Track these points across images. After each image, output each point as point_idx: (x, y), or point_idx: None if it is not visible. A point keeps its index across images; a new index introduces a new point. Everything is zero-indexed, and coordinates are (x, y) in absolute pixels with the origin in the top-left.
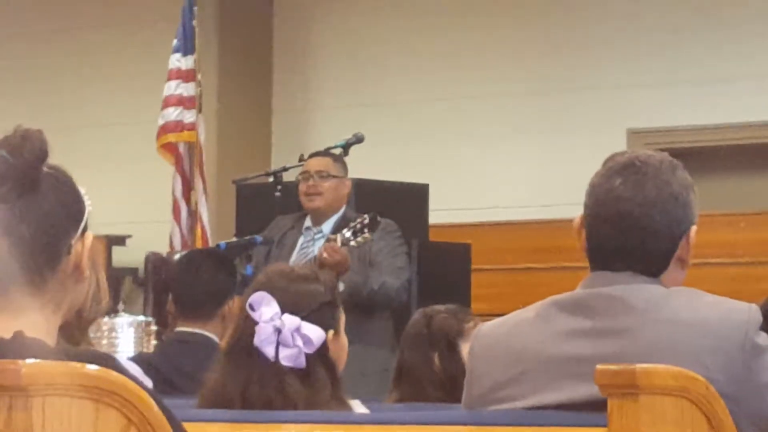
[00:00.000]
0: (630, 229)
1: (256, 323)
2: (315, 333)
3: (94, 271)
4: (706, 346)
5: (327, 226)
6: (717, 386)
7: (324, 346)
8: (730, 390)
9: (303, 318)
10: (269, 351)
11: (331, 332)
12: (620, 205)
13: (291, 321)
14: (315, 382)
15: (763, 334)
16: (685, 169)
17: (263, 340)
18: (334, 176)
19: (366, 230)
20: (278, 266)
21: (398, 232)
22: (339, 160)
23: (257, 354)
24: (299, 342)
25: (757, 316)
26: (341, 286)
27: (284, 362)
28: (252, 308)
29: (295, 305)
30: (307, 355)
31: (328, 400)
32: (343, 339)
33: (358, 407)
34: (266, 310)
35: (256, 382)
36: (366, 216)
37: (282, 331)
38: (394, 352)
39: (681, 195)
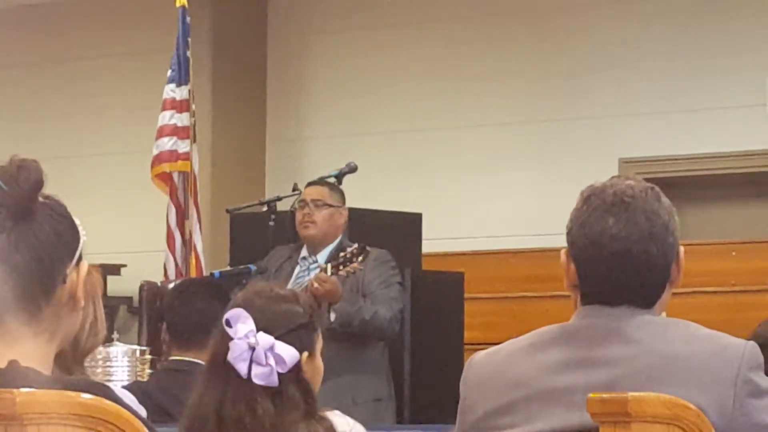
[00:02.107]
0: (628, 267)
1: (230, 339)
2: (288, 353)
3: (91, 303)
4: (697, 380)
5: (322, 256)
6: (708, 419)
7: (298, 367)
8: (721, 424)
9: (278, 337)
10: (242, 368)
11: (305, 354)
12: (616, 244)
13: (265, 339)
14: (286, 401)
15: (764, 375)
16: (665, 194)
17: (236, 356)
18: (329, 205)
19: (354, 259)
20: (258, 285)
21: (392, 262)
22: (336, 189)
23: (232, 371)
24: (272, 361)
25: (755, 353)
26: (333, 316)
27: (256, 380)
28: (228, 324)
29: (270, 324)
30: (280, 375)
31: (298, 420)
32: (318, 362)
33: (337, 417)
34: (241, 327)
35: (230, 399)
36: (355, 246)
37: (255, 349)
38: (388, 382)
39: (670, 223)
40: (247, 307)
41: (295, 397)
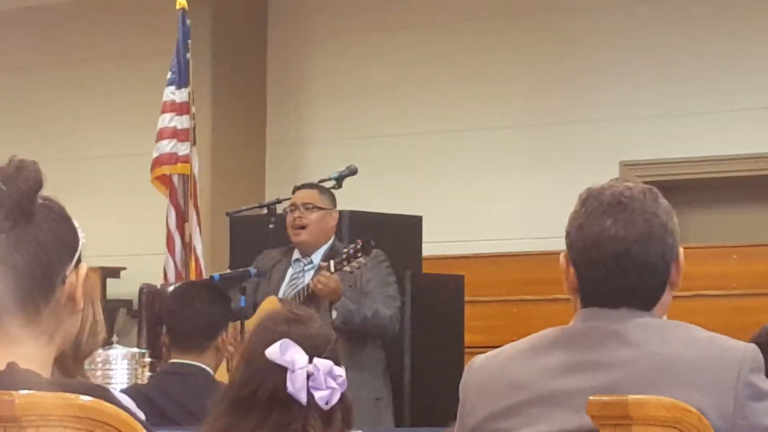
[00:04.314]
0: (628, 268)
1: (284, 370)
2: (342, 371)
3: (90, 305)
4: (698, 383)
5: (317, 257)
6: (709, 422)
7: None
8: (721, 427)
9: (327, 358)
10: (303, 397)
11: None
12: (615, 245)
13: (324, 364)
14: (334, 418)
15: (765, 378)
16: (666, 197)
17: (298, 387)
18: (319, 208)
19: (359, 255)
20: (279, 312)
21: (387, 261)
22: (325, 192)
23: (277, 401)
24: (332, 383)
25: (755, 355)
26: (334, 314)
27: (321, 404)
28: (277, 357)
29: (315, 348)
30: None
31: None
32: None
33: None
34: (297, 357)
35: (272, 427)
36: (359, 241)
37: (314, 375)
38: (386, 381)
39: (668, 223)
40: (286, 336)
41: (339, 413)
